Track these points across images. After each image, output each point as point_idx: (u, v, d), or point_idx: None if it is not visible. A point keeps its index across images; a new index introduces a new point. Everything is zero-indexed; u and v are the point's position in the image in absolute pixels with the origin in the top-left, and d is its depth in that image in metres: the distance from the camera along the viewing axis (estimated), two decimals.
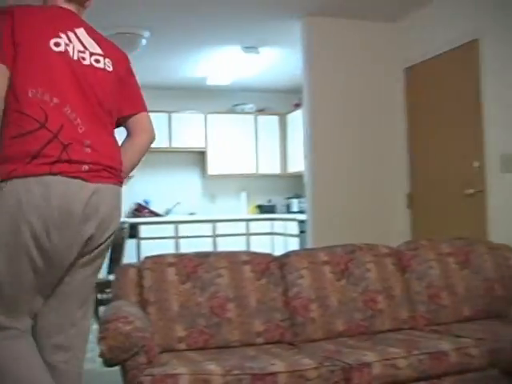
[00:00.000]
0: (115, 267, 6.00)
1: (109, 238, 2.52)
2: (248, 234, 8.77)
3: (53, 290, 2.46)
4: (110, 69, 2.59)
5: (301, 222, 7.62)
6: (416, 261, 3.87)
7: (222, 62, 7.71)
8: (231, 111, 9.45)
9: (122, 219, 7.30)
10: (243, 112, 9.39)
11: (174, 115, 8.95)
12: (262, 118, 9.40)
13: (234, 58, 7.44)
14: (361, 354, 3.02)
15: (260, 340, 3.40)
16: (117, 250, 6.31)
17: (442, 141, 5.41)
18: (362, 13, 5.69)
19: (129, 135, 2.76)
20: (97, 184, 2.37)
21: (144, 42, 6.37)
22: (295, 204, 9.20)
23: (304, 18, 5.75)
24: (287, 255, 3.73)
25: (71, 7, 2.61)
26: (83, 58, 2.50)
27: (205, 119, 9.10)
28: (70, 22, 2.55)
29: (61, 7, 2.59)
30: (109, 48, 2.66)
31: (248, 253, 3.68)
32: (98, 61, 2.55)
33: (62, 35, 2.47)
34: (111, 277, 5.75)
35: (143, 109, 2.77)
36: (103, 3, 5.35)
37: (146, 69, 7.96)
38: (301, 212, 8.72)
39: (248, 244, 8.70)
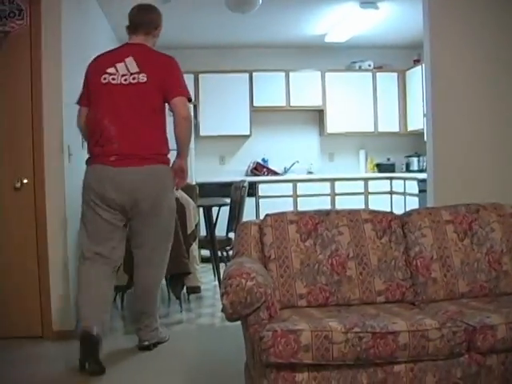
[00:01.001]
0: (235, 225, 6.12)
1: (139, 200, 4.03)
2: (366, 193, 8.70)
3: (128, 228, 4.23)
4: (144, 80, 4.01)
5: (421, 180, 7.47)
6: None
7: (340, 19, 7.59)
8: (349, 69, 9.31)
9: (242, 178, 7.47)
10: (361, 69, 9.23)
11: (291, 74, 8.92)
12: (380, 75, 9.20)
13: (351, 15, 7.30)
14: (484, 316, 2.94)
15: (380, 299, 3.39)
16: (236, 208, 6.41)
17: None
18: None
19: None
20: (120, 168, 3.97)
21: (260, 0, 6.35)
22: (415, 163, 9.02)
23: None
24: (409, 214, 3.67)
25: (137, 40, 4.19)
26: (125, 80, 4.01)
27: (322, 77, 9.02)
28: (122, 55, 4.09)
29: (127, 43, 4.23)
30: (148, 64, 4.06)
31: (369, 211, 3.64)
32: (134, 78, 4.01)
33: (110, 69, 4.04)
34: (231, 234, 5.85)
35: (176, 95, 4.04)
36: None
37: (263, 27, 7.97)
38: (420, 171, 8.56)
39: (366, 203, 8.61)
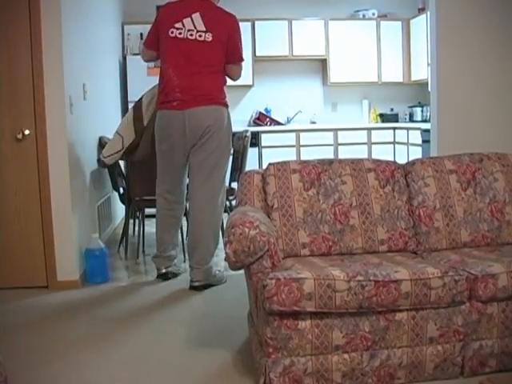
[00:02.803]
0: (238, 175, 6.11)
1: (204, 133, 4.51)
2: (370, 143, 8.67)
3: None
4: (210, 39, 4.46)
5: (424, 131, 7.43)
6: None
7: None
8: (352, 17, 9.18)
9: (244, 128, 7.43)
10: (365, 18, 9.10)
11: (294, 22, 8.80)
12: (384, 24, 9.06)
13: None
14: (486, 265, 2.96)
15: (383, 248, 3.40)
16: (239, 159, 6.39)
17: None
18: None
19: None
20: (184, 110, 4.47)
21: None
22: (418, 113, 8.96)
23: None
24: (412, 163, 3.66)
25: None
26: (191, 35, 4.46)
27: (325, 26, 8.90)
28: (189, 10, 4.48)
29: None
30: (214, 23, 4.48)
31: (372, 160, 3.62)
32: (200, 35, 4.46)
33: (177, 24, 4.46)
34: (234, 184, 5.85)
35: (236, 61, 4.68)
36: None
37: None
38: (424, 121, 8.51)
39: (369, 153, 8.57)
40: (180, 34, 4.46)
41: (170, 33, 4.48)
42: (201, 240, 4.66)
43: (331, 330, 2.76)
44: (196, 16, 4.47)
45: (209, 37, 4.45)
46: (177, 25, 4.47)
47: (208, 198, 4.66)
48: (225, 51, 4.53)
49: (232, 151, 4.79)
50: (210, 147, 4.57)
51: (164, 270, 4.90)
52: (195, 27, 4.46)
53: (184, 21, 4.47)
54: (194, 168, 4.65)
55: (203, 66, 4.49)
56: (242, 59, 4.70)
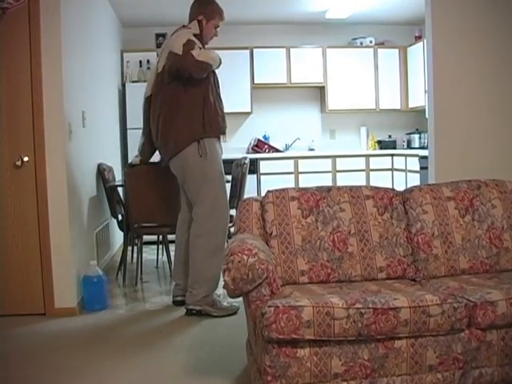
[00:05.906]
0: (236, 202, 6.11)
1: (177, 174, 4.75)
2: (368, 170, 8.69)
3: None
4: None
5: (422, 157, 7.46)
6: None
7: None
8: (350, 45, 9.26)
9: (243, 155, 7.43)
10: (362, 46, 9.19)
11: (292, 50, 8.87)
12: (381, 52, 9.14)
13: None
14: (485, 292, 2.95)
15: (382, 275, 3.40)
16: (237, 186, 6.40)
17: None
18: None
19: None
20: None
21: None
22: (416, 139, 9.00)
23: None
24: (410, 190, 3.67)
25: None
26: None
27: (323, 54, 8.97)
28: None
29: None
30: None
31: (370, 187, 3.63)
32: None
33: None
34: (232, 212, 5.85)
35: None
36: None
37: (264, 3, 7.90)
38: (422, 148, 8.54)
39: (368, 180, 8.61)
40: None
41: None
42: (192, 264, 4.65)
43: (330, 357, 2.75)
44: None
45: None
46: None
47: (196, 225, 4.68)
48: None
49: (221, 175, 4.71)
50: (186, 183, 4.72)
51: (174, 298, 4.94)
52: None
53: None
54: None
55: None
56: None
